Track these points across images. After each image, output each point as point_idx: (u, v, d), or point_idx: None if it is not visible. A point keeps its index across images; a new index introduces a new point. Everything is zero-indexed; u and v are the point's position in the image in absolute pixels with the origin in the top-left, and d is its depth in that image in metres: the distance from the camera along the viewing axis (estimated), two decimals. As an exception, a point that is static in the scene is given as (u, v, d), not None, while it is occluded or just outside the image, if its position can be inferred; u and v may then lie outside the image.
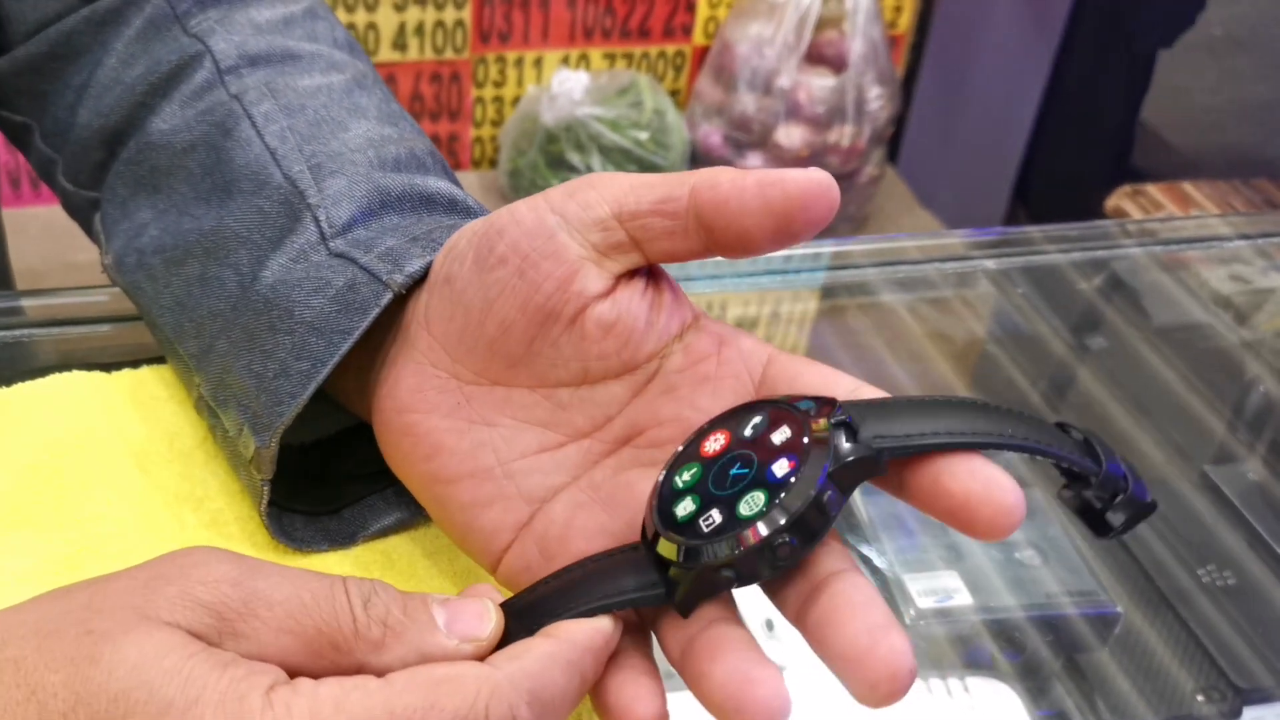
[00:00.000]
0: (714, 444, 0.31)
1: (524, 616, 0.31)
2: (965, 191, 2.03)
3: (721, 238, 0.32)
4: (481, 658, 0.29)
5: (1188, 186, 1.63)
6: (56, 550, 0.39)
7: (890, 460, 0.29)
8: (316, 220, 0.39)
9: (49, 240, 1.44)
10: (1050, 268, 0.79)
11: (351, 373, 0.39)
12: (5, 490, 0.40)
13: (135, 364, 0.46)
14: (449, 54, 1.76)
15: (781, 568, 0.28)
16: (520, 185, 1.77)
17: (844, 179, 1.79)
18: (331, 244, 0.38)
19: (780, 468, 0.28)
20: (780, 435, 0.29)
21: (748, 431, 0.30)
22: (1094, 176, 1.80)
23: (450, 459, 0.35)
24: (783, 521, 0.28)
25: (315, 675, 0.28)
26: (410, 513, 0.41)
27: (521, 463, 0.35)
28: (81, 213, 0.48)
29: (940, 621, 0.56)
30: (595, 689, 0.31)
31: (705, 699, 0.28)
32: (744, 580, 0.29)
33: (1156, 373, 0.76)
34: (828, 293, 0.76)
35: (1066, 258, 0.79)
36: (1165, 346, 0.77)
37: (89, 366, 0.46)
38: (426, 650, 0.29)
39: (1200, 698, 0.55)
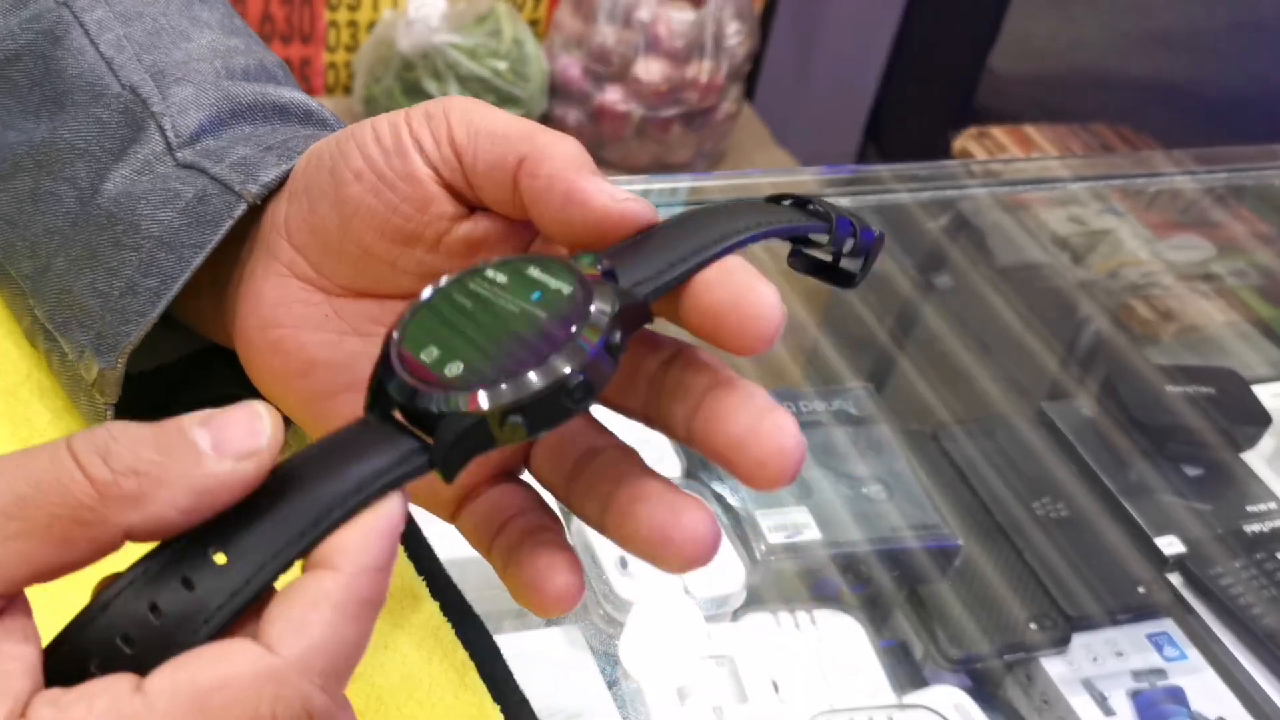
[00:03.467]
0: (454, 299, 0.28)
1: (247, 546, 0.24)
2: (819, 129, 2.05)
3: (541, 224, 0.31)
4: (264, 473, 0.24)
5: (1030, 129, 1.68)
6: None
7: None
8: (161, 129, 0.36)
9: None
10: (900, 206, 0.80)
11: (206, 290, 0.37)
12: None
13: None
14: (297, -26, 1.69)
15: (579, 408, 0.26)
16: (376, 113, 1.72)
17: (701, 115, 1.79)
18: (179, 154, 0.36)
19: (557, 311, 0.26)
20: (544, 286, 0.27)
21: (498, 288, 0.27)
22: (942, 118, 1.84)
23: (326, 373, 0.33)
24: (576, 366, 0.25)
25: (74, 565, 0.23)
26: None
27: None
28: None
29: (790, 556, 0.57)
30: (507, 566, 0.30)
31: (631, 541, 0.28)
32: (536, 430, 0.25)
33: (997, 311, 0.78)
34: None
35: (915, 197, 0.80)
36: (1006, 285, 0.80)
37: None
38: (196, 484, 0.23)
39: (1033, 626, 0.57)
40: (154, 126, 0.37)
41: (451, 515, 0.33)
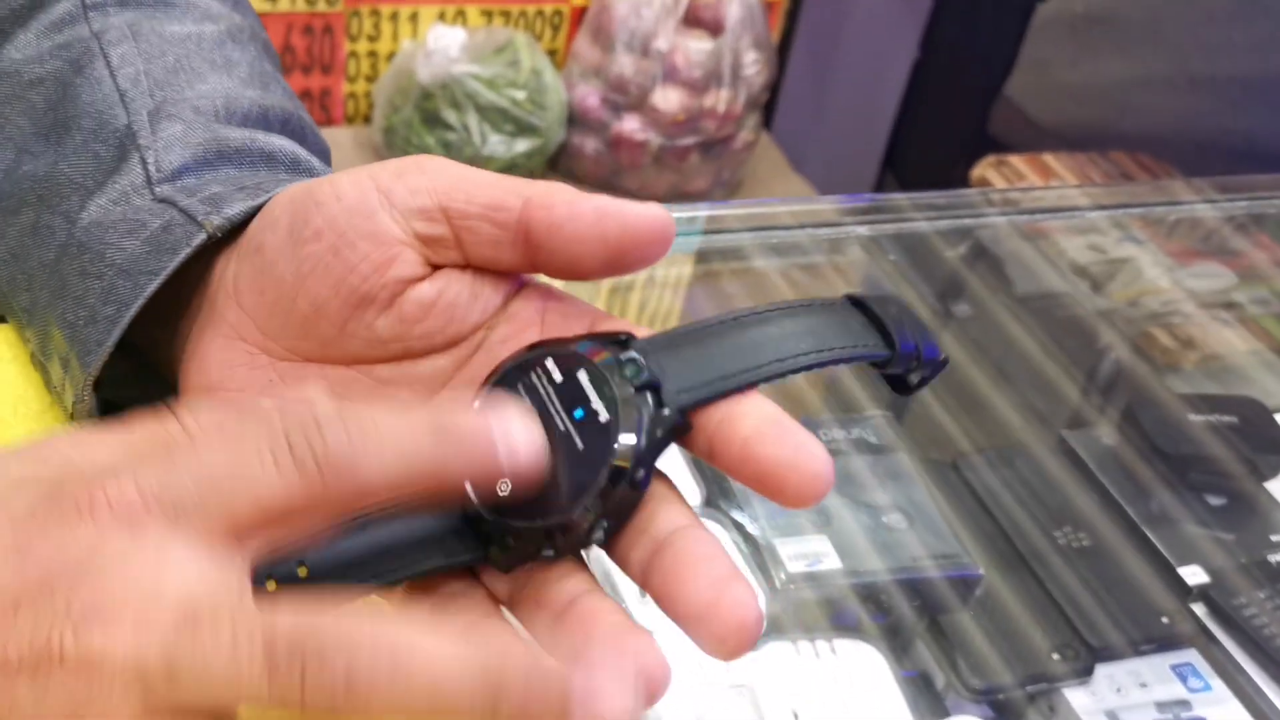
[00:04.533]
0: (520, 399, 0.30)
1: (327, 565, 0.29)
2: (837, 158, 2.06)
3: (550, 260, 0.31)
4: None
5: (1049, 158, 1.67)
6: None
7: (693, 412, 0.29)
8: (144, 162, 0.37)
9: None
10: (919, 235, 0.80)
11: (162, 333, 0.37)
12: None
13: (-23, 325, 0.43)
14: (321, 6, 1.71)
15: (598, 543, 0.29)
16: (395, 143, 1.73)
17: (719, 144, 1.80)
18: (157, 189, 0.36)
19: (592, 444, 0.28)
20: (587, 403, 0.28)
21: (551, 390, 0.29)
22: (960, 146, 1.84)
23: None
24: (600, 510, 0.28)
25: None
26: None
27: None
28: None
29: (809, 585, 0.57)
30: None
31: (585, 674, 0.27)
32: (560, 556, 0.29)
33: (1017, 340, 0.78)
34: (702, 257, 0.76)
35: (934, 225, 0.80)
36: (1025, 314, 0.80)
37: (-74, 327, 0.43)
38: None
39: (1056, 656, 0.57)
40: (137, 159, 0.37)
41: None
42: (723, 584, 0.27)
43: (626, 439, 0.28)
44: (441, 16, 1.77)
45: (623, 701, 0.24)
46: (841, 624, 0.57)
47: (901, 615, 0.58)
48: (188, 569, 0.24)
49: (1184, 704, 0.56)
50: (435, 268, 0.32)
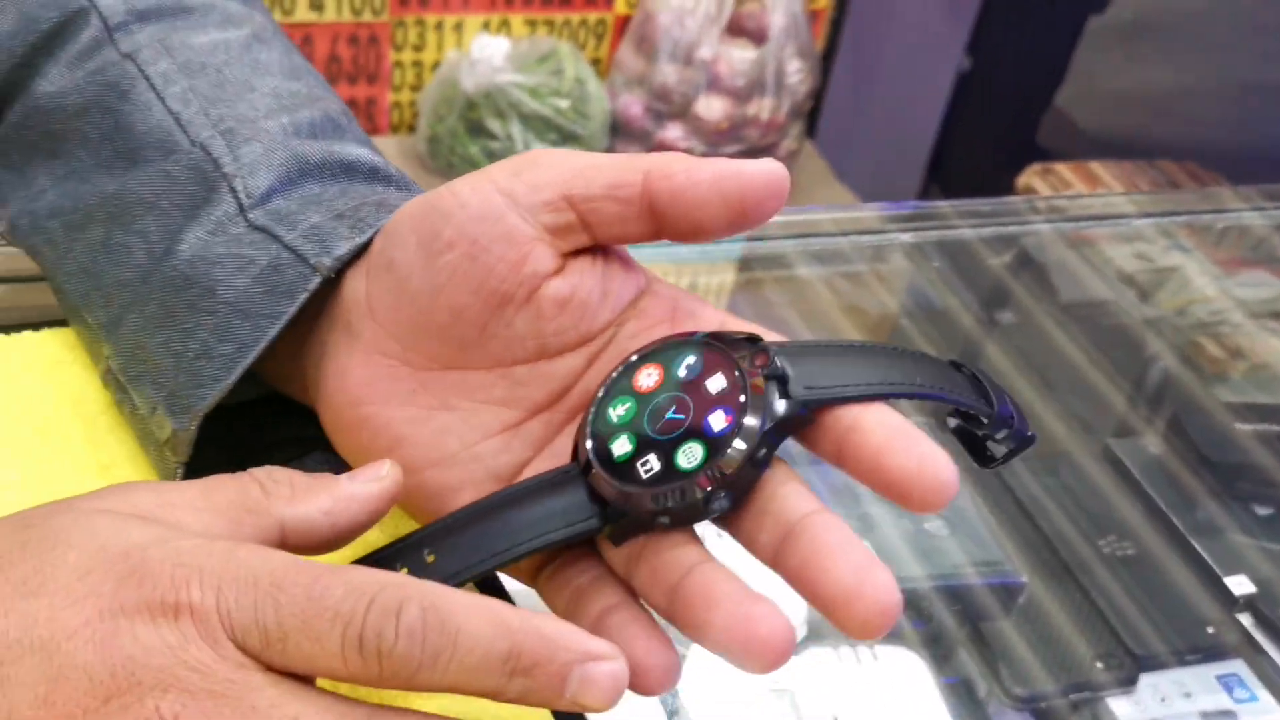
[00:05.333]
0: (648, 379, 0.31)
1: (453, 548, 0.31)
2: (881, 166, 2.05)
3: (675, 226, 0.32)
4: (386, 494, 0.31)
5: (1095, 166, 1.66)
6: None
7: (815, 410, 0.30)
8: (234, 190, 0.37)
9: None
10: (963, 243, 0.80)
11: (278, 355, 0.37)
12: (-101, 456, 0.39)
13: (36, 326, 0.44)
14: (367, 16, 1.73)
15: (712, 517, 0.30)
16: (439, 152, 1.75)
17: (762, 152, 1.80)
18: (250, 215, 0.37)
19: (717, 421, 0.30)
20: (715, 384, 0.30)
21: (682, 372, 0.31)
22: (1006, 154, 1.83)
23: (414, 449, 0.34)
24: (720, 480, 0.29)
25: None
26: None
27: (486, 444, 0.34)
28: None
29: (851, 590, 0.57)
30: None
31: (712, 645, 0.28)
32: (676, 526, 0.30)
33: (1062, 348, 0.77)
34: (745, 265, 0.76)
35: (978, 233, 0.80)
36: (1071, 322, 0.79)
37: (-12, 329, 0.44)
38: (335, 492, 0.31)
39: (1099, 665, 0.56)
40: (226, 188, 0.37)
41: (530, 579, 0.34)
42: (865, 570, 0.28)
43: (751, 420, 0.29)
44: (486, 26, 1.78)
45: (606, 698, 0.27)
46: (883, 630, 0.57)
47: (943, 622, 0.58)
48: (284, 695, 0.26)
49: (1229, 715, 0.56)
50: (566, 258, 0.33)
